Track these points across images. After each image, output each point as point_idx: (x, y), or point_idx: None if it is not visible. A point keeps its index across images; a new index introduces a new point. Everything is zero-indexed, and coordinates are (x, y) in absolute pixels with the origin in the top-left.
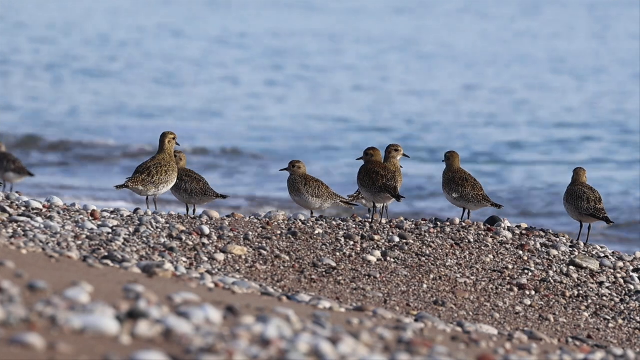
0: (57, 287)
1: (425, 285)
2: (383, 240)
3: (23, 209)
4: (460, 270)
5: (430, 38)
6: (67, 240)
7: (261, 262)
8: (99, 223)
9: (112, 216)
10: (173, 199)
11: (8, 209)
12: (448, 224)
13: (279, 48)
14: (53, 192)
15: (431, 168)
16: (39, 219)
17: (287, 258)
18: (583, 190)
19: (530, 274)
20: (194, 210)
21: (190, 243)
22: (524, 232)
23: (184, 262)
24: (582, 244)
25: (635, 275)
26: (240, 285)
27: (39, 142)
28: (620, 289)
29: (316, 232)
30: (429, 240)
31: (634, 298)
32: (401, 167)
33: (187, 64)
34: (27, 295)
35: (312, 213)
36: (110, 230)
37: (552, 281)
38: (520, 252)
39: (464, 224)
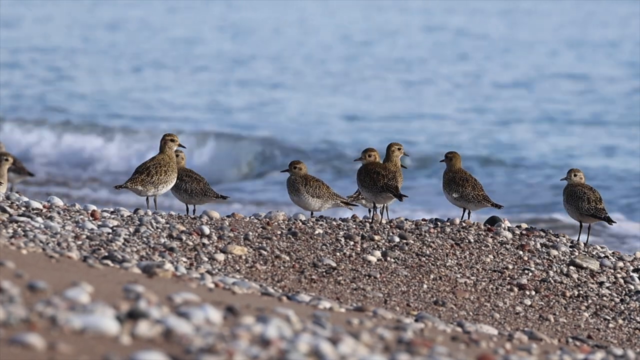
0: (57, 288)
1: (425, 286)
2: (383, 241)
3: (23, 209)
4: (461, 270)
5: None
6: (67, 241)
7: (261, 262)
8: (99, 223)
9: (112, 216)
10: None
11: (8, 209)
12: (448, 224)
13: None
14: None
15: None
16: (39, 219)
17: (287, 258)
18: (583, 190)
19: (530, 274)
20: (194, 211)
21: (190, 243)
22: (524, 232)
23: (184, 262)
24: (582, 244)
25: (635, 275)
26: (240, 286)
27: None
28: (620, 289)
29: (316, 232)
30: (429, 240)
31: (634, 298)
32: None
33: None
34: (27, 296)
35: (312, 213)
36: (110, 231)
37: (552, 281)
38: (520, 252)
39: (464, 224)
